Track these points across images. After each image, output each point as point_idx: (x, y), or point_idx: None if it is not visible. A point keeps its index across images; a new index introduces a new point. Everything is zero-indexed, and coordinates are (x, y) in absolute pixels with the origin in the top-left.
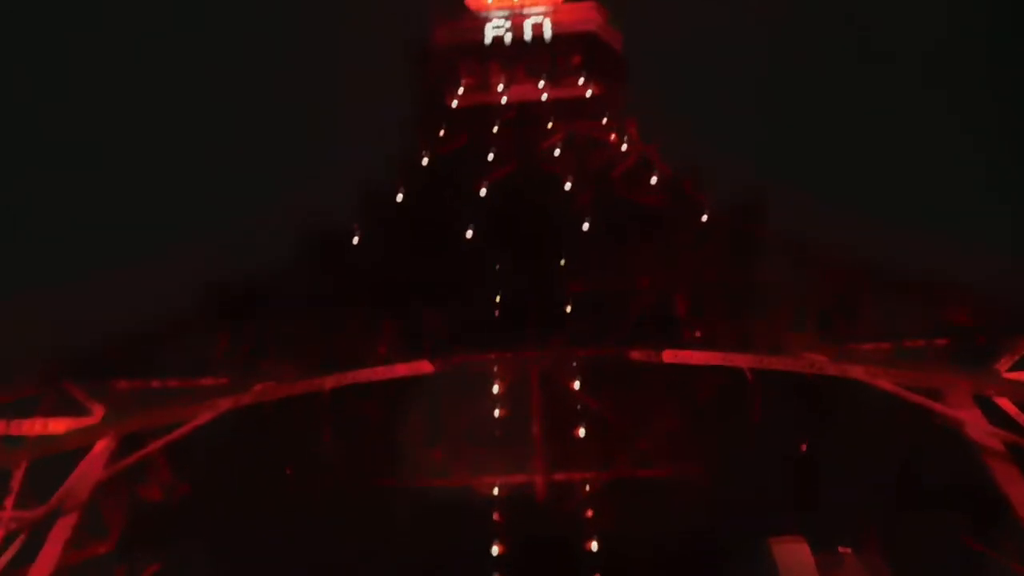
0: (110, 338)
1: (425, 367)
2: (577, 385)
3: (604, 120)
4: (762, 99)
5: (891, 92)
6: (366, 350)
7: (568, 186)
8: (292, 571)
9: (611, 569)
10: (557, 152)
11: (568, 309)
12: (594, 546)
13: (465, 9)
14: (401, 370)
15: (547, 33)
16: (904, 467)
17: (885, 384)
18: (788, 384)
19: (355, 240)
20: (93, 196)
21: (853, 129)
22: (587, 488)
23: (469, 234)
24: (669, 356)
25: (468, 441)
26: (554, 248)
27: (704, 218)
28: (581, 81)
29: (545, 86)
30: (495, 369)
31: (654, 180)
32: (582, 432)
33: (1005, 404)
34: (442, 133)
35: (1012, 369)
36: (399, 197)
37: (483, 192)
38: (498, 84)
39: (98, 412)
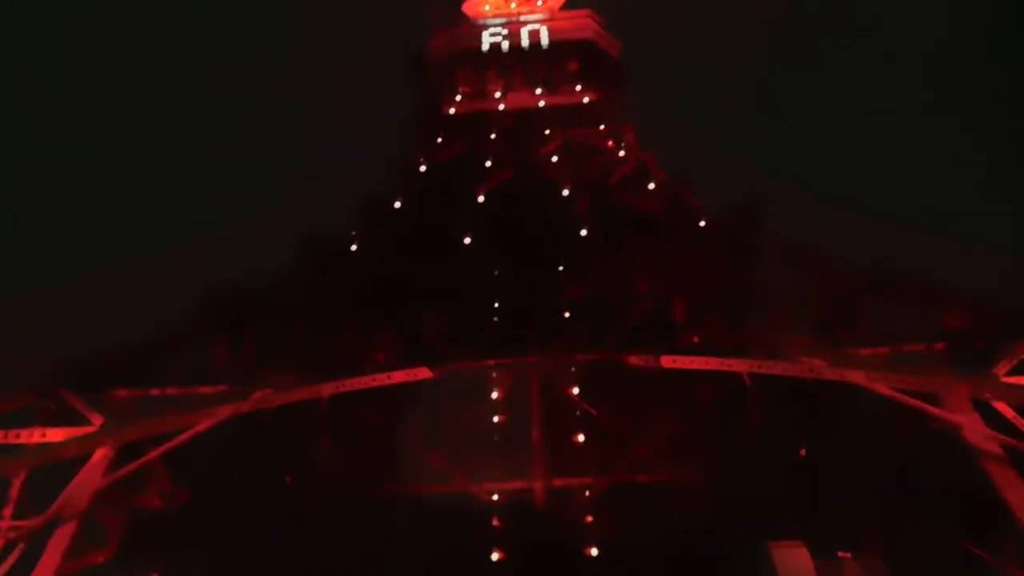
0: (109, 347)
1: (424, 374)
2: (576, 391)
3: (601, 126)
4: (762, 99)
5: (891, 92)
6: (365, 357)
7: (565, 192)
8: None
9: (611, 574)
10: (554, 159)
11: (566, 315)
12: (594, 551)
13: (462, 16)
14: (400, 377)
15: (544, 40)
16: (902, 471)
17: (883, 388)
18: (787, 389)
19: (353, 247)
20: (93, 196)
21: (853, 129)
22: (587, 493)
23: (467, 241)
24: (667, 361)
25: (467, 447)
26: (552, 254)
27: (702, 223)
28: (578, 88)
29: (542, 93)
30: (494, 375)
31: (651, 186)
32: (581, 437)
33: (1003, 408)
34: (440, 140)
35: (1010, 373)
36: (397, 204)
37: (481, 199)
38: (495, 91)
39: (97, 420)
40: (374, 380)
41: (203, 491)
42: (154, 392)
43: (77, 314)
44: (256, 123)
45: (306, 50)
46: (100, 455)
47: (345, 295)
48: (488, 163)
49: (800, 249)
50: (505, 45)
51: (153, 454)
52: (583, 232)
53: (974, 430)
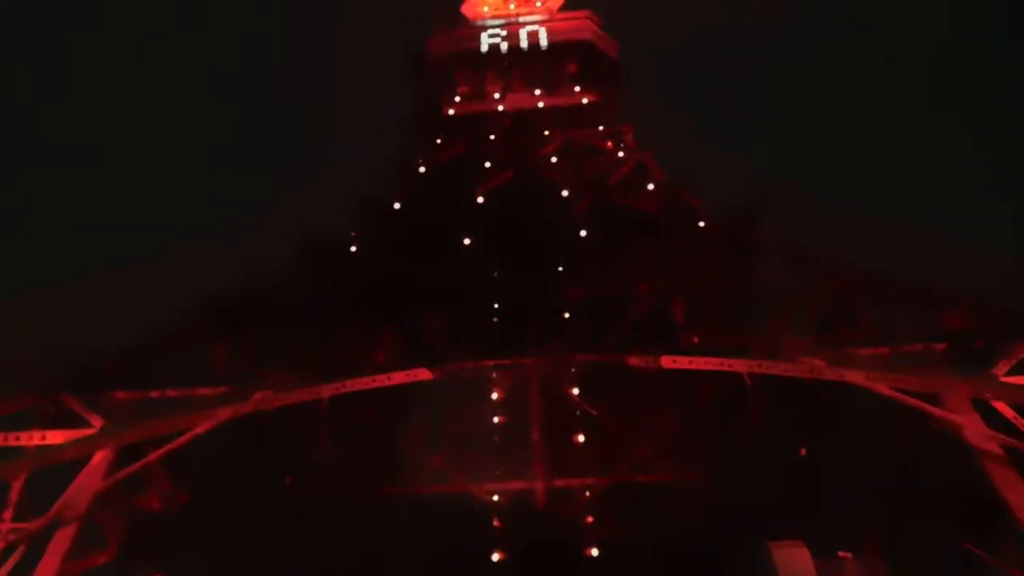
0: (108, 349)
1: (424, 374)
2: (576, 391)
3: (600, 127)
4: (762, 99)
5: (891, 92)
6: (365, 358)
7: (565, 193)
8: None
9: (611, 574)
10: (554, 159)
11: (566, 315)
12: (594, 552)
13: (461, 18)
14: (400, 378)
15: (543, 41)
16: (903, 471)
17: (883, 388)
18: (786, 389)
19: (353, 248)
20: (93, 196)
21: (853, 129)
22: (587, 494)
23: (467, 241)
24: (667, 362)
25: (467, 448)
26: (551, 255)
27: (701, 223)
28: (577, 89)
29: (541, 94)
30: (494, 376)
31: (651, 186)
32: (581, 438)
33: (1003, 408)
34: (439, 141)
35: (1010, 373)
36: (397, 205)
37: (480, 199)
38: (494, 92)
39: (97, 423)
40: (374, 381)
41: (203, 492)
42: (154, 394)
43: (77, 314)
44: (256, 123)
45: (306, 50)
46: (100, 457)
47: (345, 295)
48: (487, 164)
49: (800, 249)
50: (504, 46)
51: (153, 456)
52: (582, 233)
53: (974, 430)
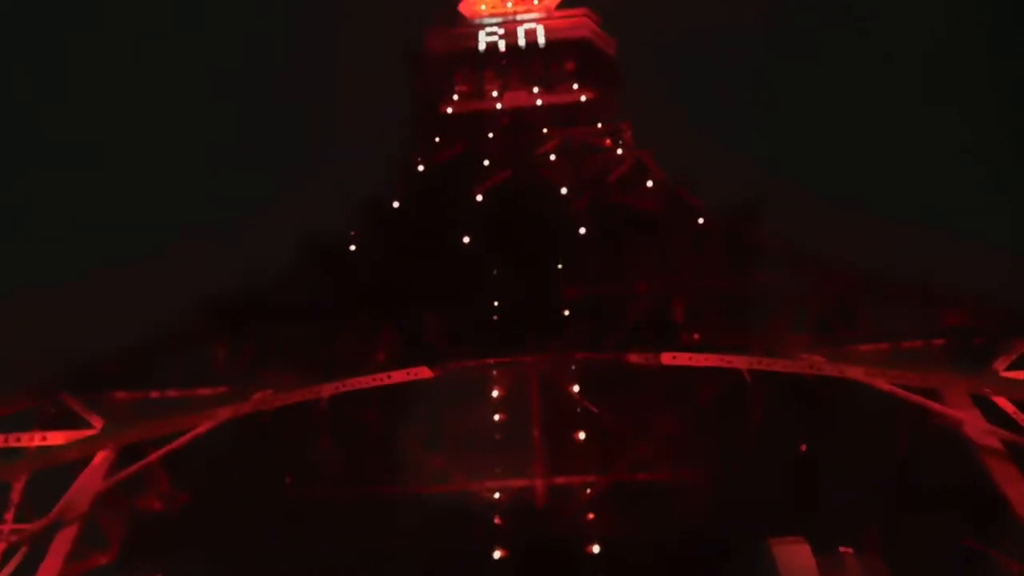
0: (108, 349)
1: (424, 373)
2: (576, 389)
3: (599, 125)
4: (759, 91)
5: (889, 84)
6: (365, 357)
7: (564, 191)
8: None
9: (612, 572)
10: (552, 158)
11: (566, 314)
12: (595, 549)
13: (459, 16)
14: (400, 376)
15: (541, 39)
16: (903, 467)
17: (883, 384)
18: (787, 386)
19: (352, 247)
20: (93, 196)
21: (851, 122)
22: (588, 491)
23: (466, 240)
24: (667, 358)
25: (468, 446)
26: (551, 253)
27: (700, 220)
28: (575, 86)
29: (539, 92)
30: (494, 374)
31: (649, 184)
32: (582, 436)
33: (1003, 403)
34: (438, 140)
35: (1010, 369)
36: (396, 204)
37: (479, 198)
38: (492, 91)
39: (97, 423)
40: (374, 380)
41: (204, 493)
42: (154, 394)
43: (77, 314)
44: (256, 123)
45: (306, 50)
46: (101, 458)
47: (345, 295)
48: (486, 163)
49: (799, 247)
50: (502, 44)
51: (154, 456)
52: (582, 230)
53: (974, 426)
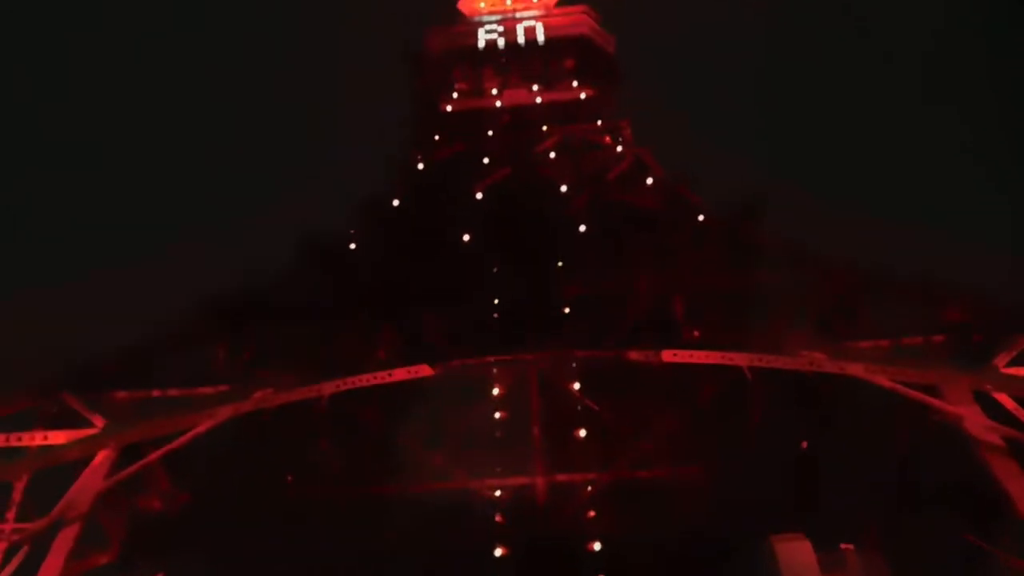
0: (109, 349)
1: (424, 371)
2: (577, 387)
3: (598, 122)
4: (759, 92)
5: (889, 84)
6: (365, 357)
7: (563, 189)
8: None
9: (614, 569)
10: (552, 155)
11: (566, 311)
12: (596, 547)
13: (458, 14)
14: (400, 374)
15: (540, 37)
16: (904, 463)
17: (884, 381)
18: (788, 383)
19: (352, 246)
20: (93, 196)
21: (850, 122)
22: (588, 489)
23: (466, 238)
24: (668, 356)
25: (469, 444)
26: (551, 251)
27: (700, 218)
28: (575, 84)
29: (539, 89)
30: (494, 372)
31: (649, 181)
32: (583, 434)
33: (1004, 399)
34: (437, 138)
35: (1010, 365)
36: (395, 202)
37: (479, 196)
38: (492, 88)
39: (98, 422)
40: (375, 378)
41: (205, 492)
42: (155, 393)
43: (77, 314)
44: (256, 123)
45: (306, 50)
46: (102, 457)
47: (345, 295)
48: (486, 160)
49: (799, 244)
50: (501, 42)
51: (154, 455)
52: (582, 228)
53: (975, 422)
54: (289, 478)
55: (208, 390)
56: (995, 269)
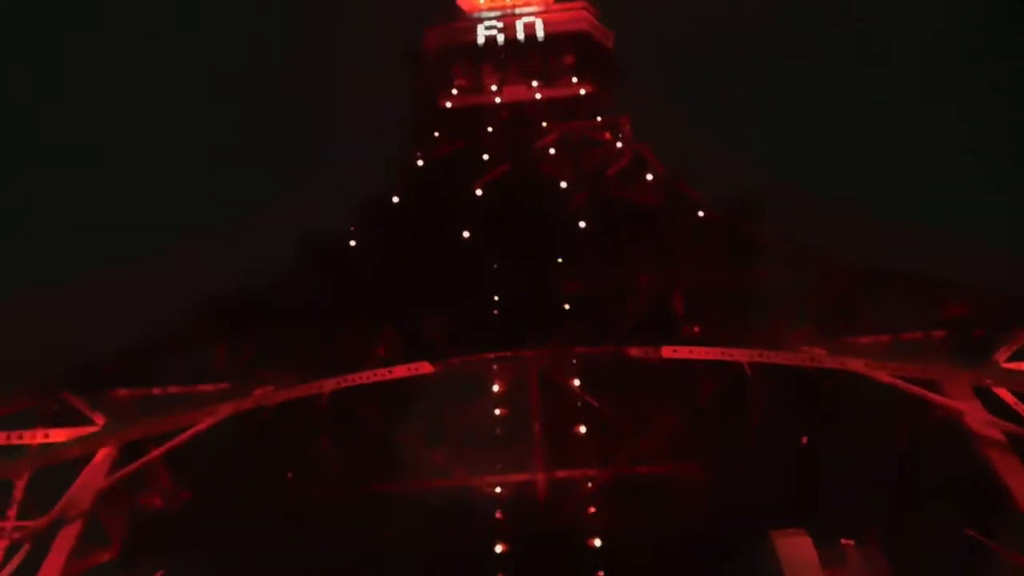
0: (109, 348)
1: (424, 368)
2: (577, 383)
3: (598, 118)
4: (759, 91)
5: (888, 83)
6: (365, 354)
7: (563, 185)
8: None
9: (614, 565)
10: (552, 151)
11: (566, 307)
12: (597, 543)
13: (457, 10)
14: (401, 371)
15: (539, 33)
16: (904, 459)
17: (884, 376)
18: (788, 378)
19: (352, 243)
20: (93, 196)
21: (850, 122)
22: (589, 485)
23: (466, 235)
24: (668, 352)
25: (469, 441)
26: (550, 247)
27: (700, 214)
28: (574, 80)
29: (538, 86)
30: (494, 368)
31: (649, 177)
32: (583, 430)
33: (1004, 394)
34: (437, 135)
35: (1011, 360)
36: (395, 199)
37: (478, 193)
38: (491, 85)
39: (99, 420)
40: (375, 375)
41: (205, 490)
42: (156, 391)
43: (77, 314)
44: (256, 123)
45: (306, 50)
46: (103, 455)
47: (345, 295)
48: (485, 157)
49: (799, 240)
50: (500, 38)
51: (155, 453)
52: (581, 224)
53: (975, 417)
54: (290, 475)
55: (209, 388)
56: (994, 268)
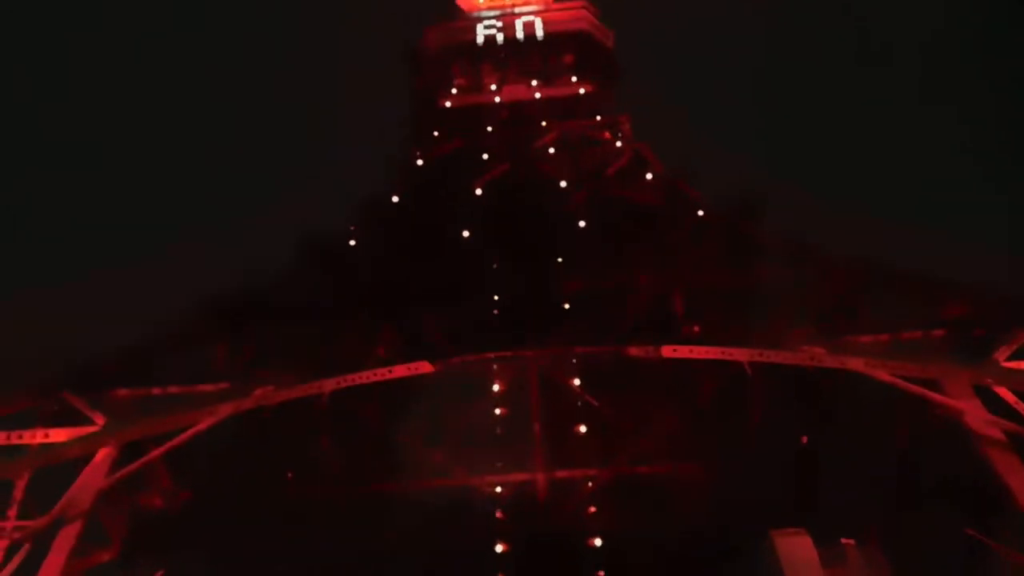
0: (109, 348)
1: (424, 368)
2: (577, 383)
3: (598, 118)
4: (759, 92)
5: (888, 83)
6: (365, 354)
7: (563, 185)
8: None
9: (615, 565)
10: (551, 151)
11: (566, 307)
12: (597, 542)
13: (457, 9)
14: (401, 371)
15: (539, 32)
16: (904, 458)
17: (884, 375)
18: (788, 378)
19: (352, 243)
20: (93, 196)
21: (850, 122)
22: (589, 485)
23: (465, 234)
24: (668, 351)
25: (469, 441)
26: (550, 247)
27: (700, 213)
28: (574, 79)
29: (538, 85)
30: (494, 369)
31: (649, 176)
32: (583, 429)
33: (1004, 393)
34: (436, 134)
35: (1011, 359)
36: (395, 199)
37: (478, 192)
38: (491, 84)
39: (99, 420)
40: (375, 375)
41: (206, 490)
42: (156, 391)
43: (77, 314)
44: (256, 123)
45: (306, 50)
46: (103, 455)
47: (345, 295)
48: (485, 156)
49: (799, 239)
50: (500, 37)
51: (155, 453)
52: (581, 224)
53: (976, 416)
54: (290, 475)
55: (209, 387)
56: (994, 268)
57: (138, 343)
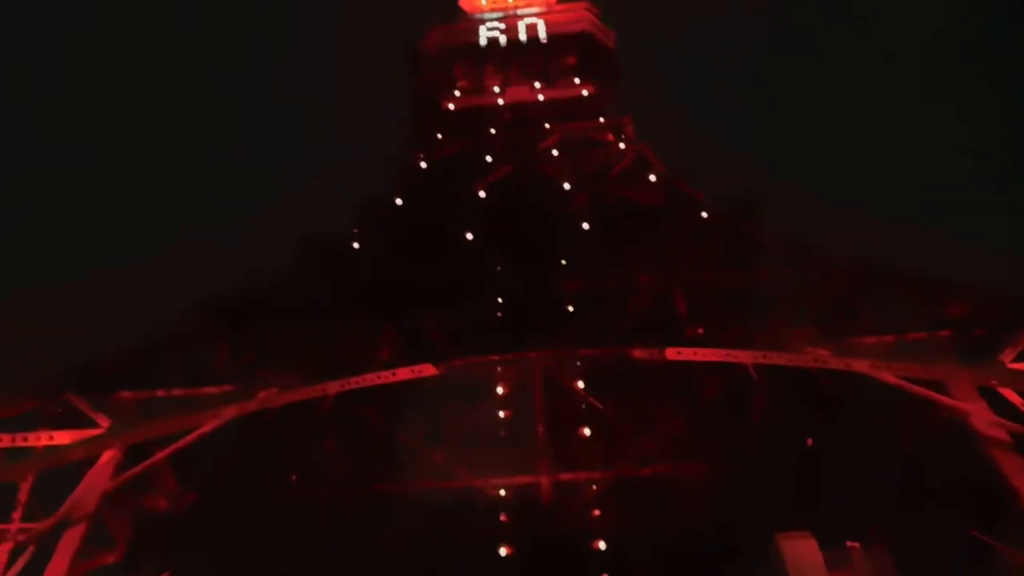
0: (112, 349)
1: (428, 370)
2: (580, 385)
3: (600, 119)
4: (759, 92)
5: (888, 83)
6: (368, 355)
7: (566, 186)
8: None
9: (619, 567)
10: (554, 152)
11: (569, 309)
12: (601, 545)
13: (459, 11)
14: (404, 374)
15: (541, 33)
16: (909, 460)
17: (889, 377)
18: (792, 380)
19: (355, 245)
20: (93, 196)
21: (850, 122)
22: (593, 487)
23: (468, 236)
24: (672, 353)
25: (473, 443)
26: (553, 248)
27: (703, 214)
28: (576, 81)
29: (540, 87)
30: (498, 370)
31: (652, 178)
32: (587, 432)
33: (1010, 395)
34: (439, 136)
35: (1016, 360)
36: (398, 201)
37: (481, 194)
38: (494, 86)
39: (104, 423)
40: (379, 378)
41: (210, 492)
42: (160, 393)
43: (77, 314)
44: (256, 123)
45: (306, 50)
46: (107, 457)
47: (345, 295)
48: (488, 158)
49: (801, 240)
50: (502, 39)
51: (160, 455)
52: (584, 226)
53: (981, 417)
54: (294, 478)
55: (213, 390)
56: (995, 268)
57: (139, 343)
